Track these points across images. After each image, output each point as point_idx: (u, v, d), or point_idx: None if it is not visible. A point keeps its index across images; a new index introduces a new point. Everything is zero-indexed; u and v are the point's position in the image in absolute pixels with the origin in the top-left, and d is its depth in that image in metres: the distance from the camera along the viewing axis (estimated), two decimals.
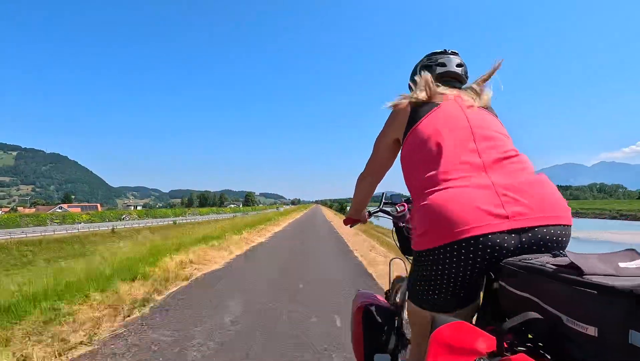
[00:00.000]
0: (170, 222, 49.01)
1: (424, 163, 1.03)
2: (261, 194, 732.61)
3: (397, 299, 1.77)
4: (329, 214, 40.63)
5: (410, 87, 1.26)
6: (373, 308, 1.59)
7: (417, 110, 1.13)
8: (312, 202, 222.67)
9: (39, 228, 36.00)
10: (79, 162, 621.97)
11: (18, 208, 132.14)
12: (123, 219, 52.93)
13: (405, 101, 1.17)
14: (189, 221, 45.91)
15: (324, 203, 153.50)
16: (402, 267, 1.83)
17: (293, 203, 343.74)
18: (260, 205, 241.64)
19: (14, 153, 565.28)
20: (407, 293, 1.18)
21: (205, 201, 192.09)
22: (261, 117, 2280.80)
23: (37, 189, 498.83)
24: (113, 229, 32.75)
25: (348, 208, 1.78)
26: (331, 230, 16.41)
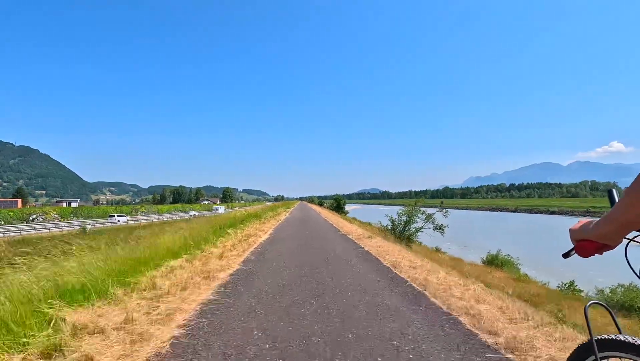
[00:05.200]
0: (103, 224, 35.15)
1: None
2: (244, 191, 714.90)
3: None
4: (337, 220, 24.19)
5: None
6: None
7: None
8: (296, 199, 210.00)
9: None
10: (51, 156, 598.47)
11: None
12: (33, 220, 38.50)
13: None
14: (121, 224, 32.13)
15: (310, 200, 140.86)
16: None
17: (276, 199, 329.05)
18: (242, 202, 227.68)
19: None
20: None
21: (180, 196, 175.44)
22: (247, 114, 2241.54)
23: (5, 184, 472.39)
24: None
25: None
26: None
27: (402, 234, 21.12)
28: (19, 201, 70.97)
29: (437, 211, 23.22)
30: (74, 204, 69.08)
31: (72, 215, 43.35)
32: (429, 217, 22.46)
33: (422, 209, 23.02)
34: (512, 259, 19.11)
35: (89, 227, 29.03)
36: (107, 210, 54.63)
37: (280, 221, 19.84)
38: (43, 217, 39.68)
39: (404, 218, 22.15)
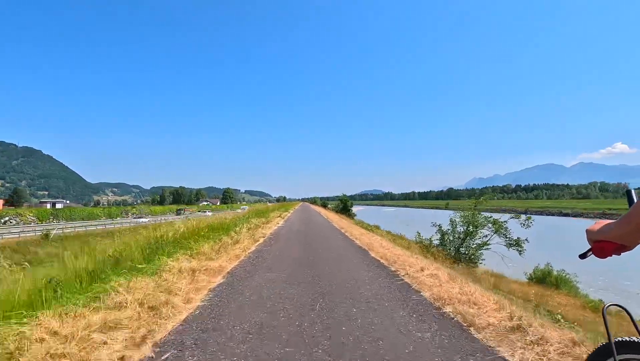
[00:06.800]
0: (69, 230, 31.45)
1: None
2: (246, 192, 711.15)
3: None
4: (364, 237, 13.90)
5: None
6: None
7: None
8: (298, 200, 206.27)
9: None
10: (53, 157, 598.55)
11: None
12: (5, 223, 34.79)
13: None
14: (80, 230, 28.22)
15: (312, 200, 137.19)
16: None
17: (278, 200, 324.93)
18: (244, 203, 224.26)
19: None
20: None
21: (180, 197, 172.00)
22: (247, 115, 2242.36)
23: (7, 185, 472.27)
24: None
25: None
26: None
27: (458, 253, 14.90)
28: (0, 202, 67.78)
29: (511, 217, 16.32)
30: (58, 205, 65.41)
31: (51, 217, 39.69)
32: (498, 226, 15.57)
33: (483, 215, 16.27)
34: (567, 276, 15.03)
35: (53, 232, 25.38)
36: (92, 212, 50.89)
37: (259, 242, 10.17)
38: (17, 219, 36.14)
39: (460, 229, 15.71)
